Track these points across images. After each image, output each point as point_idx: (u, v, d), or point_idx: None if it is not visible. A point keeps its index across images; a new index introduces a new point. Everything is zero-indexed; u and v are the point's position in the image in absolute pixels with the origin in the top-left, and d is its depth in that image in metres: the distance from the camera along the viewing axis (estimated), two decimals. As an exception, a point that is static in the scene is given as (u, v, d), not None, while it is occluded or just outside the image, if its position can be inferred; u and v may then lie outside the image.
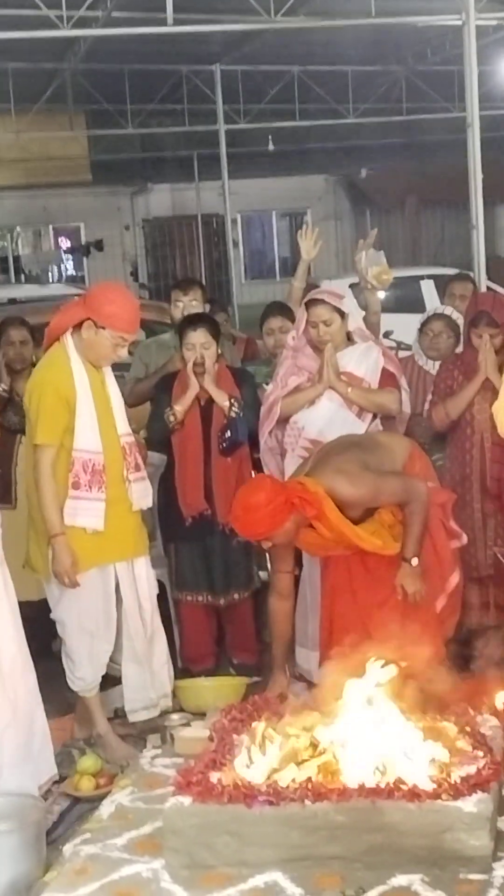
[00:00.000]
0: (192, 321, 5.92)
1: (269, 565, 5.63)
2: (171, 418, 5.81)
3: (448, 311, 6.44)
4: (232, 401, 5.80)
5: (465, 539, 5.20)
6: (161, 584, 5.58)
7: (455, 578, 5.09)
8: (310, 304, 5.56)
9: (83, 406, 4.96)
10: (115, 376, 5.30)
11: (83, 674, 5.09)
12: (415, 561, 4.89)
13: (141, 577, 5.20)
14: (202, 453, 5.84)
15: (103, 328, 4.97)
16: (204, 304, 6.57)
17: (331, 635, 5.02)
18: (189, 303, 6.46)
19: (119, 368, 6.34)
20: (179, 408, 5.80)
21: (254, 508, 4.70)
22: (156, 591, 5.32)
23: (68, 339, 5.03)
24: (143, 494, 5.17)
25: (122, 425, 5.14)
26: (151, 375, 6.37)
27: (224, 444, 5.77)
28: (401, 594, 4.90)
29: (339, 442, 5.14)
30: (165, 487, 5.97)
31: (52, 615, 5.13)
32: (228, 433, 5.75)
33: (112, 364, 5.20)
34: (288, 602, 5.21)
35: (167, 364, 6.24)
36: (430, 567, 5.00)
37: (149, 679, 5.20)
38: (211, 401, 5.84)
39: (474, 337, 5.56)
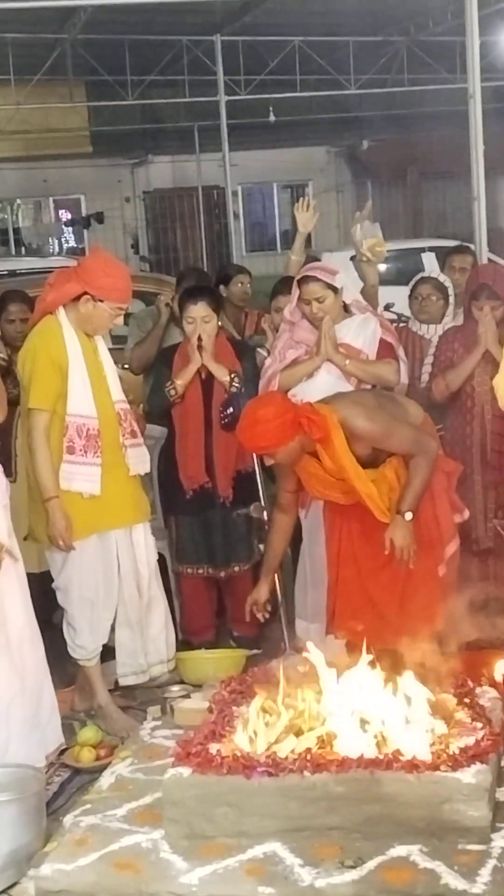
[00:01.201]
0: (192, 294, 5.90)
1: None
2: (172, 392, 5.80)
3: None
4: (232, 375, 5.79)
5: (466, 514, 5.18)
6: (161, 557, 5.59)
7: (452, 547, 5.05)
8: (302, 281, 5.53)
9: (75, 372, 4.98)
10: (114, 349, 5.31)
11: (84, 642, 5.11)
12: (409, 516, 4.80)
13: (139, 544, 5.21)
14: (203, 426, 5.84)
15: (101, 301, 4.98)
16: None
17: (335, 602, 5.02)
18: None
19: (117, 341, 6.36)
20: (180, 382, 5.79)
21: (262, 421, 4.69)
22: (155, 558, 5.33)
23: (60, 311, 5.04)
24: (139, 460, 5.19)
25: (116, 392, 5.15)
26: (144, 339, 6.37)
27: (226, 420, 5.76)
28: (388, 548, 4.79)
29: (358, 389, 5.17)
30: (166, 460, 5.98)
31: (53, 584, 5.15)
32: (230, 409, 5.74)
33: (112, 336, 5.22)
34: (289, 516, 5.17)
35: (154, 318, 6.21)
36: (431, 534, 4.97)
37: (140, 645, 5.23)
38: (212, 374, 5.83)
39: (475, 309, 5.55)
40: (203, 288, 6.12)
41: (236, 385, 5.76)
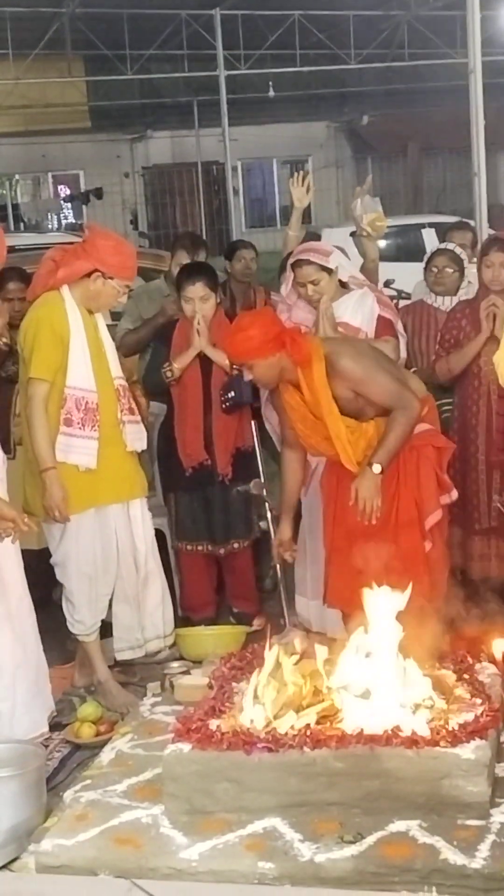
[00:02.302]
0: (189, 273, 5.86)
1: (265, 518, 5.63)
2: (168, 374, 5.77)
3: (451, 245, 6.48)
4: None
5: (455, 495, 5.12)
6: (160, 534, 5.58)
7: (433, 519, 4.96)
8: (295, 265, 5.48)
9: (76, 345, 4.98)
10: (110, 325, 5.31)
11: (82, 616, 5.12)
12: (377, 468, 4.74)
13: (136, 520, 5.22)
14: (202, 403, 5.82)
15: (111, 278, 5.00)
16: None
17: (329, 572, 5.02)
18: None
19: (115, 318, 6.32)
20: (178, 365, 5.76)
21: (246, 330, 4.80)
22: (152, 534, 5.32)
23: (64, 287, 5.03)
24: (136, 436, 5.19)
25: (116, 369, 5.16)
26: (140, 327, 6.33)
27: (227, 404, 5.74)
28: (353, 498, 4.75)
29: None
30: (165, 437, 5.96)
31: (52, 559, 5.15)
32: (231, 393, 5.72)
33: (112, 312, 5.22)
34: (297, 451, 5.17)
35: (157, 315, 6.21)
36: (415, 511, 4.98)
37: (137, 620, 5.23)
38: (213, 346, 5.80)
39: (485, 270, 5.50)
40: (200, 266, 6.07)
41: (236, 368, 5.73)
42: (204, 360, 5.80)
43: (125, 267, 5.08)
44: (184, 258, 6.40)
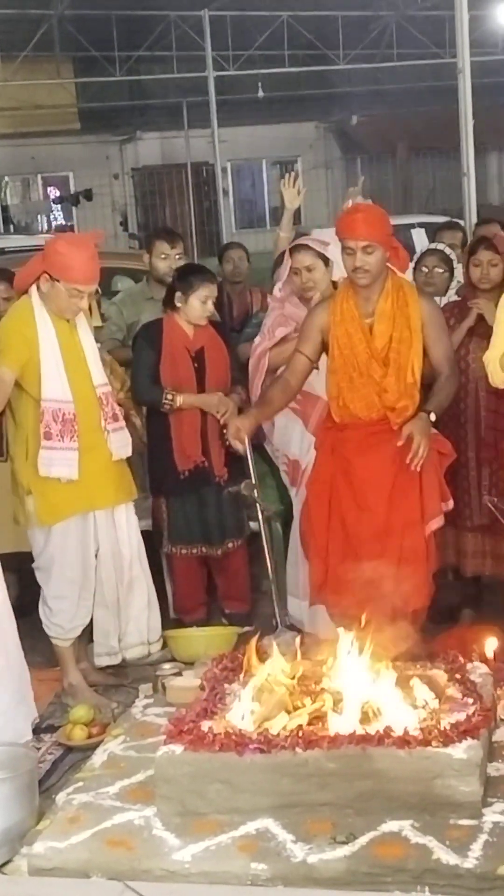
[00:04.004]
0: (204, 274, 5.88)
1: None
2: (167, 407, 5.72)
3: (441, 246, 6.52)
4: (232, 397, 5.78)
5: (451, 504, 5.16)
6: (147, 535, 5.55)
7: (436, 524, 5.03)
8: (294, 249, 5.54)
9: (48, 355, 4.93)
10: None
11: (61, 621, 5.10)
12: (433, 416, 4.90)
13: (121, 524, 5.20)
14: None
15: (57, 280, 4.93)
16: (185, 255, 6.53)
17: (326, 575, 5.02)
18: (174, 255, 6.42)
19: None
20: (181, 398, 5.71)
21: (373, 208, 5.04)
22: (138, 538, 5.30)
23: (33, 291, 5.00)
24: (122, 444, 5.16)
25: (98, 375, 5.10)
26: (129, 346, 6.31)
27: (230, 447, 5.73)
28: (403, 440, 4.79)
29: None
30: (158, 441, 5.88)
31: (34, 564, 5.13)
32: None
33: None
34: (296, 381, 5.11)
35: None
36: (413, 509, 5.00)
37: (114, 626, 5.21)
38: (202, 350, 5.80)
39: (473, 269, 5.52)
40: (206, 273, 6.04)
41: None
42: (199, 361, 5.79)
43: (71, 269, 4.91)
44: (165, 248, 6.42)
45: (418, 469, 4.81)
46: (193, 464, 5.77)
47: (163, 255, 6.41)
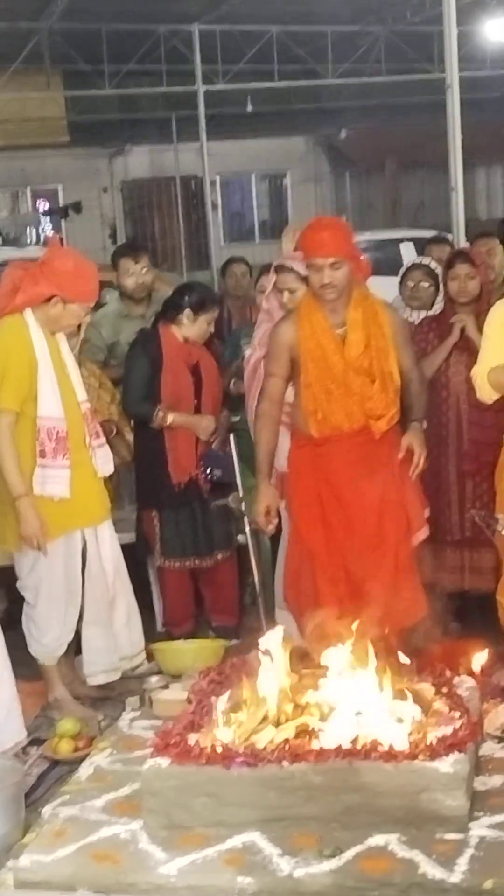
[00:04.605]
0: (212, 298, 5.96)
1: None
2: (158, 424, 5.75)
3: (427, 260, 6.58)
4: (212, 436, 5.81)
5: (427, 512, 5.21)
6: (127, 549, 5.53)
7: (423, 534, 5.12)
8: (278, 269, 5.52)
9: (45, 373, 4.91)
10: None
11: (48, 640, 5.08)
12: (424, 423, 5.08)
13: (105, 541, 5.18)
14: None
15: (72, 302, 4.94)
16: (151, 268, 6.54)
17: (319, 589, 5.02)
18: (140, 271, 6.42)
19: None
20: (172, 417, 5.72)
21: (337, 223, 5.15)
22: (120, 553, 5.29)
23: (27, 310, 4.94)
24: (105, 460, 5.16)
25: (80, 391, 5.10)
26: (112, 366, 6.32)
27: (212, 479, 5.74)
28: (403, 453, 4.97)
29: None
30: (149, 453, 5.86)
31: (19, 583, 5.10)
32: (219, 471, 5.74)
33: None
34: (276, 407, 5.10)
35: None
36: (402, 522, 5.03)
37: (113, 642, 5.19)
38: (198, 365, 5.80)
39: (451, 283, 5.55)
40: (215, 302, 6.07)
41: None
42: (196, 375, 5.79)
43: (85, 291, 4.99)
44: (130, 265, 6.46)
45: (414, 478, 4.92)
46: (188, 476, 5.77)
47: (129, 272, 6.42)
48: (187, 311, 5.75)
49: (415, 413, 5.08)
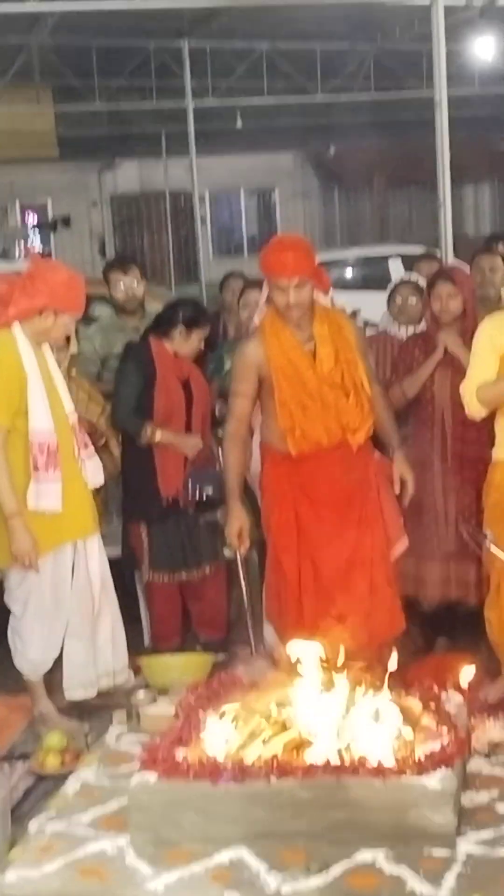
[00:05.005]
0: (204, 315, 5.93)
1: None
2: (145, 441, 5.73)
3: (414, 276, 6.64)
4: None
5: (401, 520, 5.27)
6: (113, 563, 5.52)
7: (402, 546, 5.18)
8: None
9: (34, 387, 4.89)
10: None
11: (34, 655, 5.07)
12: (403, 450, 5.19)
13: (93, 554, 5.16)
14: (184, 431, 5.80)
15: (63, 313, 4.95)
16: (142, 279, 6.55)
17: (300, 607, 5.02)
18: (131, 283, 6.45)
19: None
20: (159, 434, 5.72)
21: (299, 243, 5.07)
22: (107, 568, 5.26)
23: (15, 324, 4.93)
24: (95, 472, 5.16)
25: (68, 403, 5.10)
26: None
27: (204, 499, 5.70)
28: (398, 487, 5.12)
29: None
30: (137, 467, 5.85)
31: (7, 596, 5.09)
32: (210, 490, 5.68)
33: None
34: (244, 427, 5.12)
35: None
36: (381, 538, 5.07)
37: (91, 657, 5.16)
38: (188, 380, 5.81)
39: (433, 302, 5.58)
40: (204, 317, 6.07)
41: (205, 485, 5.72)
42: (186, 387, 5.80)
43: (78, 302, 5.02)
44: (119, 277, 6.48)
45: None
46: (177, 490, 5.76)
47: (120, 285, 6.45)
48: (180, 328, 5.76)
49: (391, 439, 5.18)
